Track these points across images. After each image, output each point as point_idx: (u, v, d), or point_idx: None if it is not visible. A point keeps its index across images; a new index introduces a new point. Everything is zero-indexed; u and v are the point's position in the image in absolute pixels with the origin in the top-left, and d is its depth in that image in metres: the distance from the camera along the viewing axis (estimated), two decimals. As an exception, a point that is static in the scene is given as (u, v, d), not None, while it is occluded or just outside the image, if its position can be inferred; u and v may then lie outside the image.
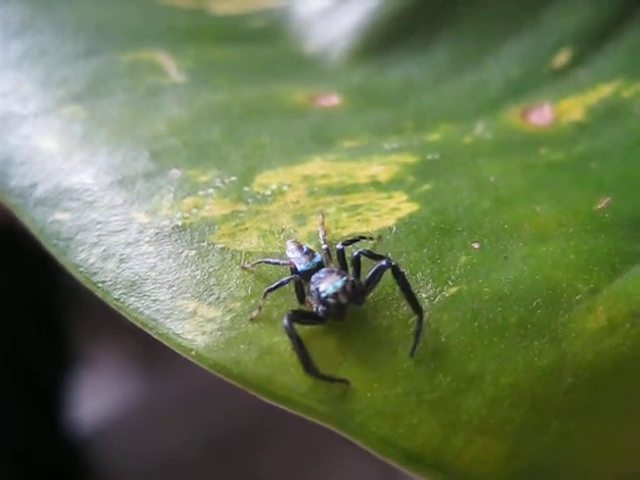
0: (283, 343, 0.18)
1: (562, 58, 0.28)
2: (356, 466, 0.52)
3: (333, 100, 0.27)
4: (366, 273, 0.19)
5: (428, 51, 0.29)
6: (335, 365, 0.18)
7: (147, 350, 0.58)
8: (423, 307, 0.18)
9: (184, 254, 0.20)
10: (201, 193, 0.22)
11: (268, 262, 0.20)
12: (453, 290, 0.19)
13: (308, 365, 0.17)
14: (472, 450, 0.17)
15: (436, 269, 0.20)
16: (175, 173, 0.22)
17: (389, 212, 0.21)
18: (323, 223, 0.21)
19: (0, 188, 0.22)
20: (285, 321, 0.17)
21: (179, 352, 0.19)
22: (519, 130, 0.25)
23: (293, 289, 0.19)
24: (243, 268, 0.20)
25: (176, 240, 0.21)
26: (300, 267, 0.19)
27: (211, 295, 0.19)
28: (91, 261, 0.20)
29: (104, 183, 0.22)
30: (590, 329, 0.19)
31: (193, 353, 0.18)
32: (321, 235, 0.20)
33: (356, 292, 0.18)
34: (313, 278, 0.19)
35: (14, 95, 0.25)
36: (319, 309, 0.18)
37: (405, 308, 0.19)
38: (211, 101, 0.25)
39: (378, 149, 0.24)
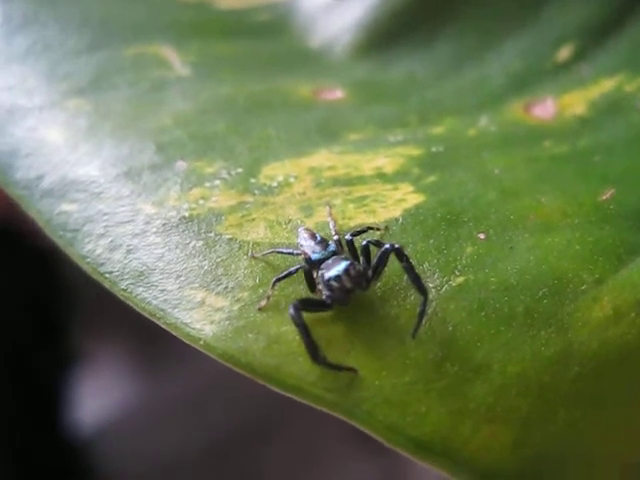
0: (291, 332, 0.18)
1: (564, 53, 0.28)
2: (356, 465, 0.52)
3: (337, 94, 0.27)
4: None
5: (431, 47, 0.29)
6: (343, 354, 0.18)
7: (147, 350, 0.58)
8: (428, 289, 0.19)
9: (191, 244, 0.20)
10: (208, 184, 0.22)
11: (281, 252, 0.20)
12: (460, 280, 0.19)
13: (315, 354, 0.17)
14: (479, 438, 0.17)
15: (443, 259, 0.20)
16: (181, 165, 0.23)
17: (395, 203, 0.21)
18: (332, 214, 0.21)
19: (6, 180, 0.22)
20: (292, 310, 0.18)
21: (187, 341, 0.19)
22: (523, 123, 0.25)
23: (302, 278, 0.19)
24: (253, 257, 0.20)
25: (183, 231, 0.21)
26: (314, 256, 0.19)
27: (219, 285, 0.19)
28: (98, 252, 0.20)
29: (110, 175, 0.22)
30: (596, 318, 0.19)
31: (201, 342, 0.18)
32: (331, 226, 0.21)
33: (360, 276, 0.18)
34: (322, 265, 0.19)
35: (19, 89, 0.25)
36: (325, 295, 0.18)
37: (412, 297, 0.19)
38: (216, 94, 0.26)
39: (383, 142, 0.24)
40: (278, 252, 0.20)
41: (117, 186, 0.22)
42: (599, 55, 0.27)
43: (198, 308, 0.19)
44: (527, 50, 0.28)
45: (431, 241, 0.20)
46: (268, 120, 0.25)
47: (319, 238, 0.20)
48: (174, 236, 0.20)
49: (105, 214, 0.21)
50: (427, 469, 0.18)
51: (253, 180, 0.22)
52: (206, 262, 0.20)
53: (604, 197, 0.22)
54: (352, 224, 0.21)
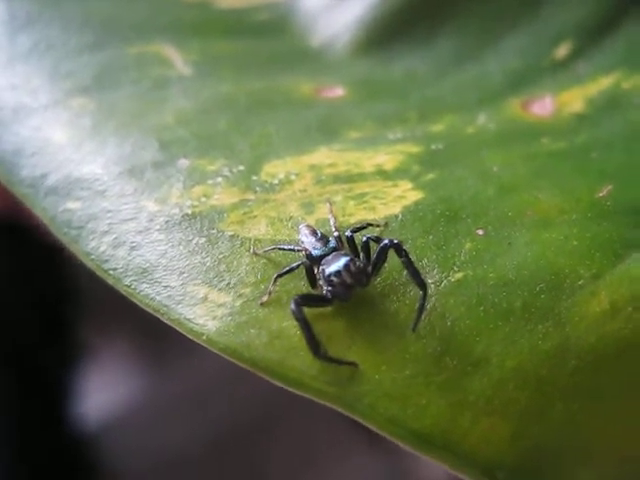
0: (292, 327, 0.18)
1: (562, 51, 0.28)
2: (358, 460, 0.53)
3: (338, 92, 0.27)
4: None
5: (430, 44, 0.29)
6: (344, 348, 0.18)
7: (152, 346, 0.58)
8: (427, 284, 0.19)
9: (194, 241, 0.21)
10: (210, 182, 0.22)
11: (282, 248, 0.20)
12: (459, 275, 0.20)
13: (316, 348, 0.18)
14: (478, 430, 0.18)
15: (442, 255, 0.20)
16: (184, 162, 0.23)
17: (395, 200, 0.22)
18: (332, 211, 0.21)
19: (11, 178, 0.23)
20: (293, 305, 0.18)
21: (190, 337, 0.19)
22: (521, 121, 0.26)
23: (303, 274, 0.19)
24: (255, 254, 0.20)
25: (186, 228, 0.21)
26: (315, 252, 0.20)
27: (221, 281, 0.20)
28: (102, 249, 0.21)
29: (114, 173, 0.22)
30: (593, 313, 0.19)
31: (204, 337, 0.19)
32: (332, 223, 0.21)
33: (360, 271, 0.19)
34: (323, 261, 0.19)
35: (24, 88, 0.25)
36: (326, 290, 0.19)
37: (412, 293, 0.19)
38: (217, 93, 0.26)
39: (383, 139, 0.24)
40: (279, 249, 0.20)
41: (120, 184, 0.22)
42: (596, 53, 0.28)
43: (201, 304, 0.19)
44: (525, 48, 0.28)
45: (430, 237, 0.21)
46: (269, 118, 0.25)
47: (320, 235, 0.20)
48: (177, 233, 0.21)
49: (109, 211, 0.22)
50: (428, 464, 0.18)
51: (255, 177, 0.22)
52: (209, 259, 0.20)
53: (601, 193, 0.22)
54: (352, 221, 0.21)
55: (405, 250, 0.19)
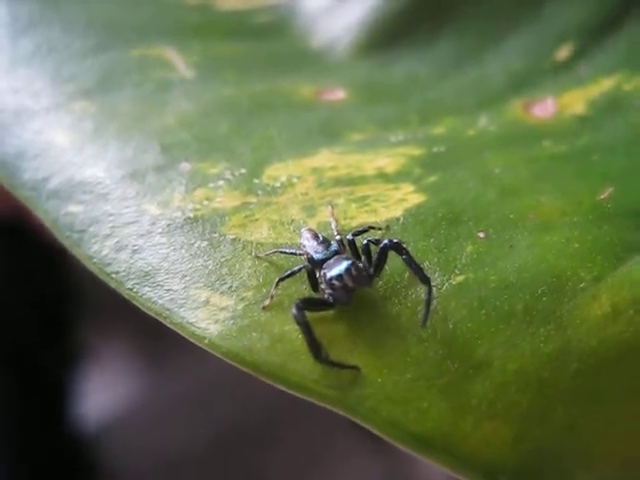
0: (294, 331, 0.18)
1: (564, 53, 0.28)
2: (359, 463, 0.53)
3: (339, 94, 0.27)
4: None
5: (431, 47, 0.29)
6: (345, 352, 0.18)
7: (153, 346, 0.58)
8: (431, 278, 0.19)
9: (196, 245, 0.21)
10: (211, 185, 0.22)
11: (284, 252, 0.20)
12: (460, 278, 0.20)
13: (317, 352, 0.18)
14: (480, 433, 0.18)
15: (443, 258, 0.20)
16: (185, 166, 0.23)
17: (396, 203, 0.22)
18: (334, 214, 0.21)
19: (14, 181, 0.23)
20: (294, 310, 0.18)
21: (193, 340, 0.19)
22: (522, 123, 0.26)
23: (305, 278, 0.19)
24: (257, 257, 0.20)
25: (188, 231, 0.21)
26: (317, 256, 0.20)
27: (223, 284, 0.20)
28: (104, 252, 0.21)
29: (116, 176, 0.22)
30: (594, 316, 0.19)
31: (206, 341, 0.19)
32: (334, 226, 0.21)
33: (361, 274, 0.19)
34: (325, 265, 0.19)
35: (26, 91, 0.25)
36: (327, 294, 0.19)
37: (413, 296, 0.19)
38: (219, 96, 0.26)
39: (384, 142, 0.24)
40: (281, 252, 0.20)
41: (123, 187, 0.22)
42: (598, 54, 0.27)
43: (203, 307, 0.19)
44: (527, 50, 0.28)
45: (431, 240, 0.21)
46: (270, 121, 0.25)
47: (321, 238, 0.20)
48: (179, 236, 0.21)
49: (111, 215, 0.22)
50: (430, 468, 0.18)
51: (256, 181, 0.22)
52: (210, 262, 0.20)
53: (603, 196, 0.22)
54: (354, 224, 0.21)
55: (405, 248, 0.19)
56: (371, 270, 0.19)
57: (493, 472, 0.18)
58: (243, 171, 0.23)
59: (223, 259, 0.20)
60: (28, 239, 0.44)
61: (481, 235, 0.21)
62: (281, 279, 0.19)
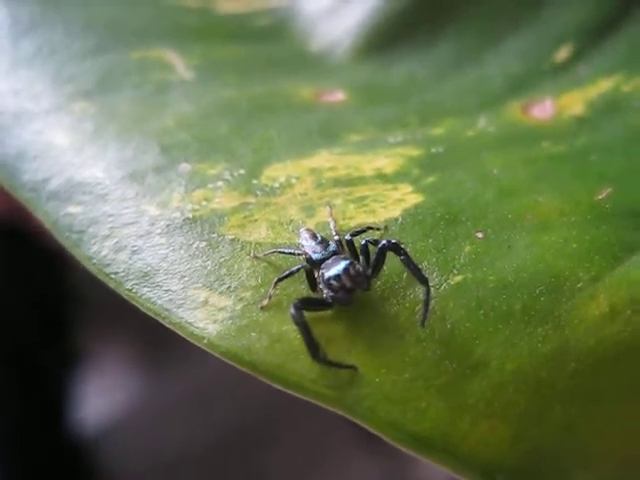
0: (293, 331, 0.18)
1: (562, 54, 0.28)
2: (358, 464, 0.53)
3: (339, 96, 0.27)
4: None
5: (430, 48, 0.29)
6: (344, 352, 0.18)
7: (152, 348, 0.59)
8: (429, 278, 0.19)
9: (195, 245, 0.21)
10: (210, 186, 0.22)
11: (282, 252, 0.20)
12: (458, 278, 0.20)
13: (315, 352, 0.18)
14: (478, 433, 0.18)
15: (441, 258, 0.20)
16: (185, 167, 0.23)
17: (395, 203, 0.22)
18: (332, 214, 0.21)
19: (13, 182, 0.23)
20: (292, 310, 0.18)
21: (191, 340, 0.19)
22: (521, 124, 0.26)
23: (303, 278, 0.19)
24: (256, 257, 0.20)
25: (187, 232, 0.21)
26: (315, 256, 0.20)
27: (222, 285, 0.20)
28: (104, 253, 0.21)
29: (115, 177, 0.23)
30: (592, 316, 0.19)
31: (205, 341, 0.19)
32: (332, 226, 0.21)
33: (359, 275, 0.19)
34: (323, 265, 0.19)
35: (26, 92, 0.25)
36: (326, 294, 0.19)
37: (412, 296, 0.19)
38: (219, 97, 0.26)
39: (383, 143, 0.24)
40: (280, 252, 0.20)
41: (122, 188, 0.22)
42: (596, 56, 0.28)
43: (202, 307, 0.19)
44: (525, 51, 0.28)
45: (430, 240, 0.21)
46: (270, 122, 0.25)
47: (320, 238, 0.20)
48: (178, 237, 0.21)
49: (110, 216, 0.22)
50: (427, 467, 0.18)
51: (255, 181, 0.22)
52: (209, 262, 0.20)
53: (601, 196, 0.22)
54: (352, 224, 0.21)
55: (403, 248, 0.19)
56: (369, 270, 0.19)
57: (491, 471, 0.18)
58: (242, 172, 0.23)
59: (222, 259, 0.20)
60: (28, 241, 0.44)
61: (479, 235, 0.21)
62: (280, 279, 0.19)
